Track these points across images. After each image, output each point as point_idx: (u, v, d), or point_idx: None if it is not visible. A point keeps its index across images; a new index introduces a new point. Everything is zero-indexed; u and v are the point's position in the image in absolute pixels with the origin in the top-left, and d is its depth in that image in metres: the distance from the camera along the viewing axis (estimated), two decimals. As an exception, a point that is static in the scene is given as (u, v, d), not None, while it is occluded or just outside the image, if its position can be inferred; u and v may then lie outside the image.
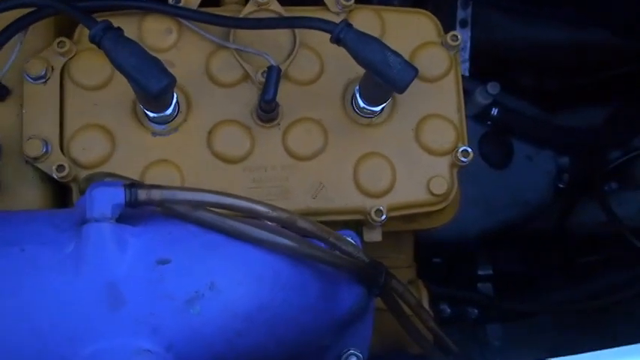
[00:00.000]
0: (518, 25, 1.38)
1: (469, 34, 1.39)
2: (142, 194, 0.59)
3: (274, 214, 0.64)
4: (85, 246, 0.58)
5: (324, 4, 0.91)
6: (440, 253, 1.34)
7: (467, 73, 1.38)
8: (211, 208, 0.63)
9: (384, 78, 0.75)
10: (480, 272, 1.34)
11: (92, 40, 0.74)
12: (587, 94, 1.40)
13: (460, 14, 1.39)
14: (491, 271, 1.34)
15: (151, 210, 0.62)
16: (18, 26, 0.83)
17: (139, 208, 0.61)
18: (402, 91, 0.76)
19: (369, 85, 0.81)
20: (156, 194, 0.60)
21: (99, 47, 0.74)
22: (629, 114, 1.30)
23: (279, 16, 0.87)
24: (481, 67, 1.36)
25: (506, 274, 1.35)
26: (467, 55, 1.40)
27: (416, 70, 0.75)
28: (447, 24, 1.38)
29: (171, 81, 0.72)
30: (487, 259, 1.35)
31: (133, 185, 0.60)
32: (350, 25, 0.77)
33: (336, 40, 0.77)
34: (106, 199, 0.59)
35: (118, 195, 0.59)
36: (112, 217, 0.59)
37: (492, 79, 1.29)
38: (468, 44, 1.39)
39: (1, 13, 0.81)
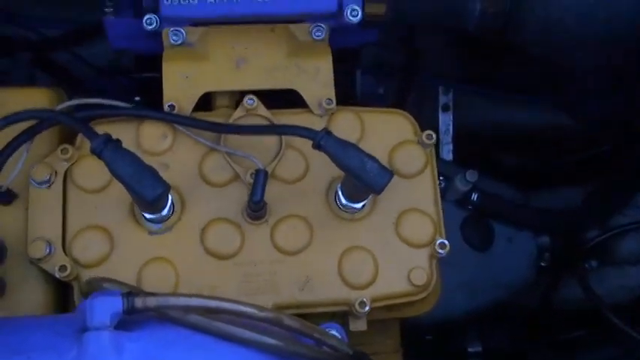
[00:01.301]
0: (497, 109, 1.46)
1: (451, 117, 1.47)
2: (139, 302, 0.65)
3: (261, 314, 0.69)
4: (85, 353, 0.63)
5: (308, 107, 0.98)
6: (429, 332, 1.38)
7: (451, 155, 1.45)
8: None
9: (361, 181, 0.81)
10: (470, 349, 1.37)
11: (93, 152, 0.81)
12: (566, 175, 1.46)
13: (442, 99, 1.47)
14: (480, 348, 1.37)
15: (147, 315, 0.67)
16: (24, 138, 0.90)
17: (135, 315, 0.66)
18: (378, 193, 0.83)
19: (349, 186, 0.87)
20: (151, 302, 0.65)
21: (99, 158, 0.81)
22: (605, 194, 1.36)
23: (266, 124, 0.94)
24: (464, 149, 1.43)
25: (496, 350, 1.39)
26: (450, 138, 1.47)
27: (391, 174, 0.81)
28: (430, 108, 1.47)
29: (166, 189, 0.79)
30: (476, 336, 1.38)
31: (130, 294, 0.65)
32: (329, 133, 0.83)
33: (317, 147, 0.83)
34: (105, 309, 0.64)
35: (116, 304, 0.64)
36: (111, 325, 0.64)
37: (475, 161, 1.36)
38: (451, 127, 1.47)
39: (8, 126, 0.88)
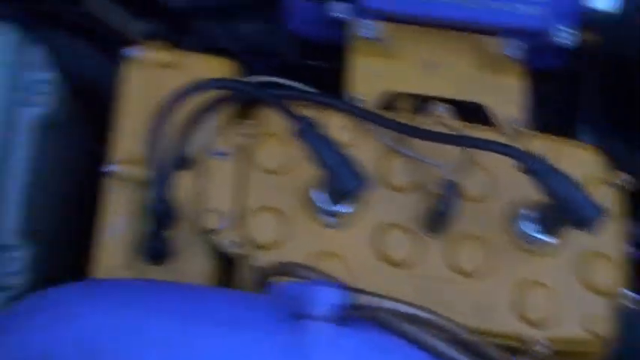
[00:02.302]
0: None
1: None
2: (364, 299, 0.61)
3: (472, 338, 0.65)
4: (302, 341, 0.59)
5: (491, 124, 0.94)
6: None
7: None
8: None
9: (572, 216, 0.77)
10: None
11: (298, 134, 0.78)
12: None
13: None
14: None
15: (357, 314, 0.63)
16: (213, 106, 0.88)
17: (348, 312, 0.62)
18: (586, 229, 0.78)
19: (549, 216, 0.83)
20: (374, 301, 0.61)
21: (303, 141, 0.78)
22: None
23: (469, 136, 0.90)
24: None
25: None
26: None
27: (604, 210, 0.77)
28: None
29: (366, 181, 0.76)
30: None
31: (350, 289, 0.62)
32: (544, 159, 0.79)
33: (528, 171, 0.79)
34: (327, 300, 0.61)
35: (337, 297, 0.61)
36: (331, 317, 0.60)
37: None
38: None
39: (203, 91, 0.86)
